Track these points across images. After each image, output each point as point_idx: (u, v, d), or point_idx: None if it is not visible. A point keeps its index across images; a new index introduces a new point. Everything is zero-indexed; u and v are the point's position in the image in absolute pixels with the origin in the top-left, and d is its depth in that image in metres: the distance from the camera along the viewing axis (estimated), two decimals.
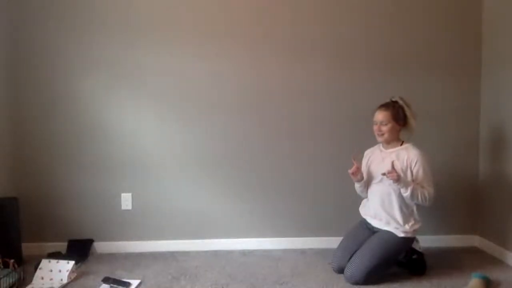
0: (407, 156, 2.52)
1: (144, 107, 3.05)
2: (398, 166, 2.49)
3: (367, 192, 2.70)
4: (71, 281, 2.54)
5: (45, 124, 3.02)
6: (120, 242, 3.07)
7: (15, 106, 3.01)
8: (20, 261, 2.65)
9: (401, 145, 2.60)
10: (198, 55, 3.04)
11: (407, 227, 2.50)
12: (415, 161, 2.49)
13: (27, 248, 2.91)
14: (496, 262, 2.81)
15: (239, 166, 3.09)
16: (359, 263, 2.43)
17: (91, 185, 3.05)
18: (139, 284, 2.50)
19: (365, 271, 2.41)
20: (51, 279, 2.51)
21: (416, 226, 2.53)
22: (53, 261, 2.58)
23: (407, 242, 2.53)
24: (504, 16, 2.84)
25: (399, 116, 2.56)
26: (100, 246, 3.06)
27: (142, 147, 3.06)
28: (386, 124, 2.55)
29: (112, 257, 2.96)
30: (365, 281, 2.42)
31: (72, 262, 2.58)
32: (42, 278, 2.52)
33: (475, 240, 3.13)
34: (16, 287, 2.44)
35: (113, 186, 3.06)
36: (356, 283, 2.43)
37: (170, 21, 3.02)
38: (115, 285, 2.43)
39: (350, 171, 2.62)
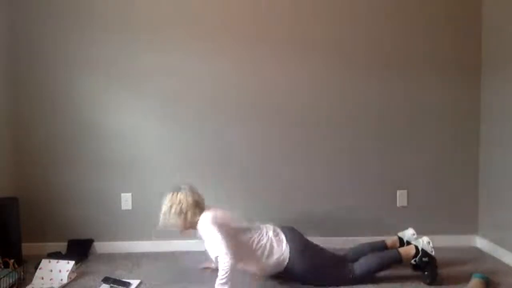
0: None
1: (144, 107, 3.05)
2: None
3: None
4: (71, 281, 2.54)
5: (45, 124, 3.03)
6: (120, 242, 3.07)
7: (15, 106, 3.01)
8: (20, 261, 2.65)
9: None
10: (198, 55, 3.04)
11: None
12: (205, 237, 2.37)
13: (27, 248, 2.92)
14: (496, 262, 2.81)
15: (239, 165, 3.09)
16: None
17: (91, 185, 3.06)
18: (139, 284, 2.50)
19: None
20: (51, 279, 2.51)
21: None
22: (53, 261, 2.58)
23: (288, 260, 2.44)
24: (504, 16, 2.84)
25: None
26: (100, 246, 3.07)
27: (142, 147, 3.06)
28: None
29: (112, 257, 2.96)
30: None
31: (72, 262, 2.58)
32: (42, 278, 2.52)
33: (475, 240, 3.13)
34: (16, 287, 2.44)
35: (113, 186, 3.06)
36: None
37: (170, 20, 3.02)
38: (115, 285, 2.43)
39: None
